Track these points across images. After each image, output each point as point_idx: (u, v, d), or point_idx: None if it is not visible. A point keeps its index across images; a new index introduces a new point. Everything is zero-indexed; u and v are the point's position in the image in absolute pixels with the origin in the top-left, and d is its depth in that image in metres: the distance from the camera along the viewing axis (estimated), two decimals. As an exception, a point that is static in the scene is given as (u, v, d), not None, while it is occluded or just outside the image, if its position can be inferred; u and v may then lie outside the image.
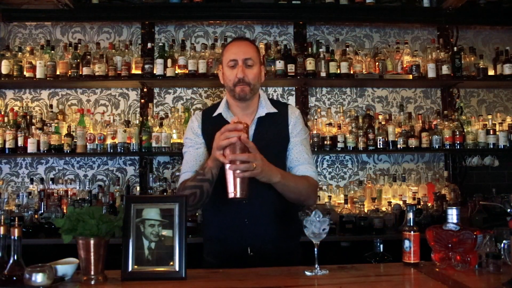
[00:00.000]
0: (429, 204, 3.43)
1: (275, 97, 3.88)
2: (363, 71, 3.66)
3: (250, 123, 1.90)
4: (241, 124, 1.57)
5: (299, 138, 1.93)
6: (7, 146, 3.42)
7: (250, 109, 1.94)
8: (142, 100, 3.76)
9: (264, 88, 3.86)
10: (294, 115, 1.97)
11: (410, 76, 3.63)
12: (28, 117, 3.58)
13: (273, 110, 1.95)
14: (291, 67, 3.54)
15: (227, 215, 1.87)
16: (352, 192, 3.63)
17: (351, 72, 3.63)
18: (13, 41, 3.82)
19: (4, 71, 3.48)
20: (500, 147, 3.64)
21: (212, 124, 1.90)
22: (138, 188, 3.61)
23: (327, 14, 3.76)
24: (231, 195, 1.58)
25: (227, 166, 1.57)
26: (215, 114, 1.96)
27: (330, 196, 3.54)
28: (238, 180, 1.57)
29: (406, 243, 1.67)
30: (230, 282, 1.54)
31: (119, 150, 3.45)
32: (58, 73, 3.53)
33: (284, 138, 1.93)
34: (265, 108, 1.94)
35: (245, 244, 1.86)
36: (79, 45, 3.66)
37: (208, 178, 1.75)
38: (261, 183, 1.70)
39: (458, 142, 3.58)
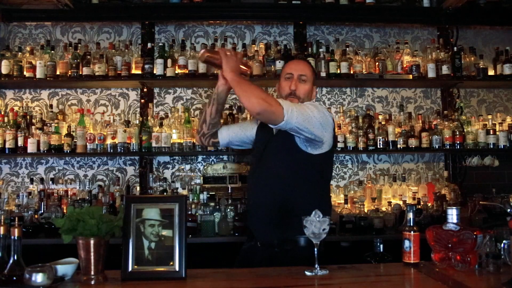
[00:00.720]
0: (429, 204, 3.42)
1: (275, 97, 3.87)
2: (363, 71, 3.66)
3: None
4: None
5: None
6: (7, 146, 3.41)
7: None
8: (142, 100, 3.76)
9: (264, 88, 3.86)
10: None
11: (410, 76, 3.63)
12: (28, 117, 3.58)
13: None
14: (291, 67, 3.53)
15: (248, 193, 2.15)
16: (352, 192, 3.63)
17: (351, 72, 3.63)
18: (13, 41, 3.82)
19: (4, 71, 3.48)
20: (500, 147, 3.64)
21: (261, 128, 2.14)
22: (138, 188, 3.61)
23: (327, 14, 3.76)
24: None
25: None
26: None
27: (330, 196, 3.53)
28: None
29: (406, 243, 1.67)
30: (230, 282, 1.54)
31: (119, 150, 3.45)
32: (58, 73, 3.53)
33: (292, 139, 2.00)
34: None
35: (249, 224, 2.05)
36: (79, 45, 3.66)
37: (217, 94, 2.06)
38: (267, 175, 1.95)
39: (458, 142, 3.58)
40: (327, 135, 1.94)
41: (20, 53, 3.64)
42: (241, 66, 1.99)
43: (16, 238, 1.41)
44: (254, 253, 1.98)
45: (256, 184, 2.05)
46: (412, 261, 1.66)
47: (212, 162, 3.79)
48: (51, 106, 3.71)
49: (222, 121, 2.53)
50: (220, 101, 2.09)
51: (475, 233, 1.55)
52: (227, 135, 2.22)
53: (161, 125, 3.50)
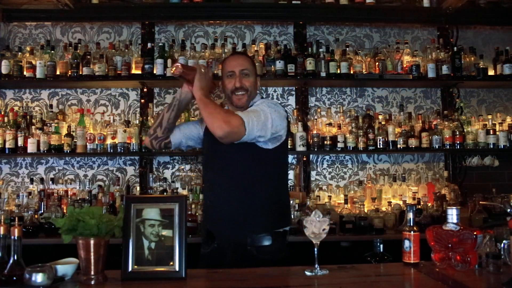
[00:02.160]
0: (429, 204, 3.42)
1: (275, 97, 3.88)
2: (363, 71, 3.66)
3: None
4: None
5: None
6: (7, 146, 3.41)
7: None
8: (142, 100, 3.76)
9: (264, 88, 3.86)
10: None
11: (410, 76, 3.63)
12: (28, 117, 3.58)
13: None
14: (291, 67, 3.54)
15: (207, 200, 2.13)
16: (352, 192, 3.63)
17: (351, 72, 3.63)
18: (13, 41, 3.82)
19: (4, 71, 3.48)
20: (500, 147, 3.64)
21: None
22: (138, 188, 3.61)
23: (327, 14, 3.76)
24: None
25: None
26: None
27: (330, 196, 3.54)
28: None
29: (406, 243, 1.67)
30: (230, 282, 1.54)
31: (119, 150, 3.45)
32: (58, 73, 3.53)
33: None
34: None
35: (209, 226, 2.04)
36: (79, 45, 3.65)
37: (178, 99, 2.10)
38: (223, 167, 1.99)
39: (458, 142, 3.58)
40: (283, 127, 2.00)
41: (20, 53, 3.64)
42: (213, 81, 2.06)
43: (16, 238, 1.41)
44: (221, 255, 1.95)
45: (217, 185, 2.03)
46: (412, 261, 1.66)
47: (212, 162, 3.78)
48: (51, 106, 3.71)
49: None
50: (181, 107, 2.11)
51: (475, 233, 1.55)
52: (179, 135, 2.19)
53: (161, 125, 3.49)
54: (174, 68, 2.00)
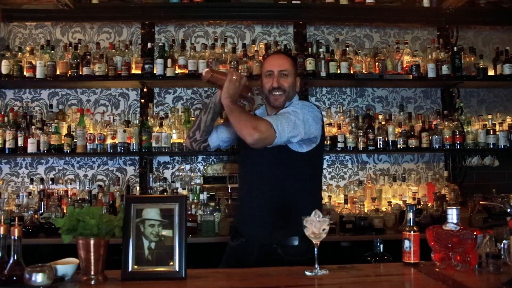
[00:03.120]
0: (429, 204, 3.42)
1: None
2: (363, 71, 3.66)
3: None
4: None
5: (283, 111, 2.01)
6: (7, 146, 3.41)
7: None
8: (142, 100, 3.76)
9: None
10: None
11: (410, 76, 3.63)
12: (28, 117, 3.58)
13: None
14: (291, 67, 3.53)
15: (239, 198, 2.18)
16: (352, 192, 3.63)
17: (351, 72, 3.63)
18: (13, 41, 3.82)
19: (4, 71, 3.48)
20: (500, 147, 3.64)
21: None
22: (138, 188, 3.61)
23: (327, 14, 3.76)
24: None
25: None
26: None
27: (330, 196, 3.53)
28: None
29: (406, 243, 1.67)
30: (230, 282, 1.54)
31: (119, 150, 3.45)
32: (58, 73, 3.53)
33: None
34: None
35: (237, 223, 2.07)
36: (79, 45, 3.65)
37: (214, 104, 2.08)
38: (255, 167, 2.01)
39: (458, 142, 3.58)
40: (318, 130, 1.98)
41: (20, 53, 3.63)
42: (242, 93, 2.02)
43: (16, 238, 1.41)
44: (248, 251, 1.97)
45: (248, 185, 2.06)
46: (412, 261, 1.66)
47: (212, 162, 3.79)
48: (51, 106, 3.71)
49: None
50: (216, 110, 2.10)
51: (475, 233, 1.55)
52: (216, 138, 2.23)
53: (161, 125, 3.50)
54: (204, 72, 2.00)
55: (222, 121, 3.23)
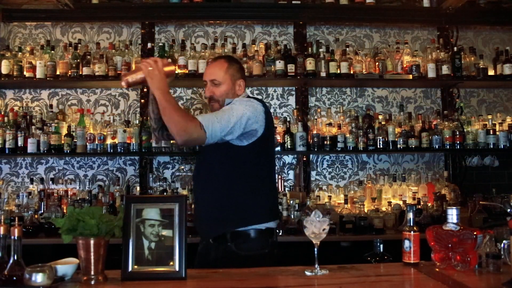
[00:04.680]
0: (429, 204, 3.42)
1: (275, 97, 3.88)
2: (363, 71, 3.66)
3: None
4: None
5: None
6: (7, 146, 3.41)
7: None
8: (142, 100, 3.75)
9: (264, 88, 3.86)
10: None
11: (410, 76, 3.63)
12: (28, 117, 3.58)
13: None
14: (291, 67, 3.54)
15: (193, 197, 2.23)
16: (352, 192, 3.63)
17: (351, 72, 3.63)
18: (13, 41, 3.82)
19: (4, 71, 3.48)
20: (500, 147, 3.64)
21: None
22: (138, 188, 3.60)
23: (327, 14, 3.76)
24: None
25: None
26: None
27: (330, 196, 3.53)
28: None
29: (406, 243, 1.67)
30: (230, 282, 1.54)
31: (119, 150, 3.45)
32: (58, 73, 3.53)
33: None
34: None
35: (195, 223, 2.11)
36: (79, 45, 3.65)
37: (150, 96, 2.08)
38: (202, 165, 2.06)
39: (458, 142, 3.58)
40: (259, 123, 1.98)
41: (20, 53, 3.63)
42: (165, 69, 1.93)
43: (16, 238, 1.41)
44: (208, 253, 1.99)
45: (198, 183, 2.11)
46: (412, 261, 1.66)
47: (212, 162, 3.78)
48: (51, 106, 3.71)
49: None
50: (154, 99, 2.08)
51: (475, 233, 1.55)
52: None
53: (161, 125, 3.49)
54: (121, 81, 1.94)
55: None
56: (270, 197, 2.10)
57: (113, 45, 3.69)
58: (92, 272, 1.49)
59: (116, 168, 3.78)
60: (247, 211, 1.97)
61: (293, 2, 3.65)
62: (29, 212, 3.16)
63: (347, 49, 3.74)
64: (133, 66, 3.57)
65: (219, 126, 1.86)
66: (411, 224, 1.69)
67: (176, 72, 3.52)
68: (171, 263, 1.54)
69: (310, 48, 3.66)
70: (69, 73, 3.52)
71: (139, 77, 1.91)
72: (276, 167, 3.82)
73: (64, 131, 3.49)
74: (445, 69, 3.61)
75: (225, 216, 1.97)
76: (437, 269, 1.59)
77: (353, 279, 1.55)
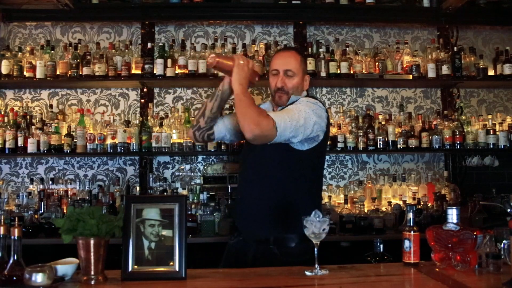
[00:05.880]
0: (429, 204, 3.42)
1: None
2: (363, 71, 3.66)
3: None
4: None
5: (288, 107, 1.97)
6: (7, 146, 3.41)
7: None
8: (142, 100, 3.76)
9: (264, 88, 3.86)
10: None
11: (410, 76, 3.63)
12: (28, 117, 3.58)
13: None
14: (291, 67, 3.53)
15: (238, 195, 2.13)
16: (352, 192, 3.63)
17: (351, 72, 3.63)
18: (13, 41, 3.82)
19: (4, 71, 3.48)
20: (500, 147, 3.64)
21: None
22: (138, 188, 3.60)
23: (327, 14, 3.76)
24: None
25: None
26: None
27: (330, 196, 3.54)
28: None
29: (406, 243, 1.67)
30: (230, 282, 1.54)
31: (119, 150, 3.45)
32: (58, 73, 3.53)
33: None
34: None
35: (235, 220, 2.03)
36: (79, 45, 3.65)
37: (214, 93, 2.04)
38: (256, 164, 2.00)
39: (458, 142, 3.58)
40: (322, 128, 1.95)
41: (20, 53, 3.64)
42: (254, 69, 1.95)
43: (16, 238, 1.41)
44: (245, 250, 1.96)
45: (248, 182, 2.03)
46: (412, 261, 1.66)
47: (212, 162, 3.79)
48: (51, 106, 3.71)
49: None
50: (223, 97, 2.04)
51: (475, 233, 1.55)
52: (223, 126, 2.15)
53: (161, 125, 3.50)
54: (210, 58, 1.91)
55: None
56: (319, 203, 2.09)
57: (113, 45, 3.69)
58: (92, 272, 1.49)
59: (116, 168, 3.78)
60: (299, 217, 1.89)
61: (293, 2, 3.65)
62: (29, 212, 3.16)
63: (347, 49, 3.74)
64: (133, 66, 3.58)
65: (289, 127, 1.81)
66: (411, 224, 1.69)
67: (176, 72, 3.53)
68: (171, 263, 1.54)
69: (310, 48, 3.66)
70: (69, 73, 3.52)
71: (229, 63, 1.89)
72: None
73: (64, 131, 3.49)
74: (445, 69, 3.61)
75: (276, 219, 1.92)
76: (437, 269, 1.59)
77: (353, 279, 1.55)
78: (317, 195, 2.08)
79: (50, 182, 3.69)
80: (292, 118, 1.83)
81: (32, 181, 3.68)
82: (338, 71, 3.61)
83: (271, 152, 1.94)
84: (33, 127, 3.51)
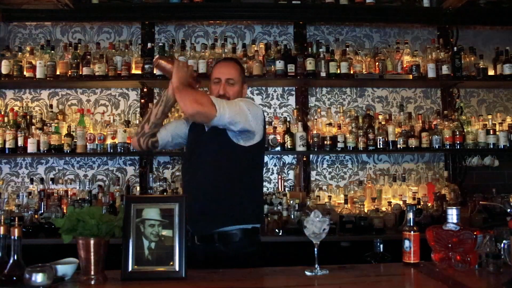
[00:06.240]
0: (429, 204, 3.42)
1: (275, 97, 3.88)
2: (363, 71, 3.66)
3: None
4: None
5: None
6: (7, 146, 3.41)
7: None
8: (142, 100, 3.76)
9: (264, 88, 3.86)
10: None
11: (410, 76, 3.63)
12: (28, 117, 3.58)
13: None
14: (291, 67, 3.54)
15: (183, 190, 2.20)
16: (352, 192, 3.63)
17: (351, 72, 3.63)
18: (13, 41, 3.82)
19: (4, 71, 3.48)
20: (500, 147, 3.64)
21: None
22: (138, 188, 3.61)
23: (327, 14, 3.76)
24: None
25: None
26: None
27: (330, 196, 3.54)
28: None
29: (406, 243, 1.67)
30: (230, 282, 1.54)
31: (119, 150, 3.45)
32: (58, 73, 3.53)
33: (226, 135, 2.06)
34: None
35: (189, 223, 1.98)
36: (79, 45, 3.65)
37: (159, 99, 2.12)
38: (198, 161, 2.05)
39: (458, 142, 3.58)
40: (258, 126, 2.03)
41: (20, 53, 3.64)
42: (190, 79, 2.05)
43: (16, 238, 1.41)
44: (194, 253, 1.95)
45: (190, 177, 2.09)
46: (412, 261, 1.66)
47: (212, 162, 3.78)
48: (51, 106, 3.71)
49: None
50: (168, 103, 2.11)
51: (475, 233, 1.55)
52: (165, 132, 2.19)
53: (161, 125, 3.49)
54: (154, 59, 2.11)
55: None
56: (260, 199, 2.22)
57: (113, 45, 3.69)
58: (92, 272, 1.49)
59: (116, 168, 3.78)
60: (240, 211, 1.99)
61: (293, 2, 3.65)
62: (29, 212, 3.16)
63: (347, 49, 3.74)
64: (133, 66, 3.58)
65: (228, 111, 1.89)
66: (411, 224, 1.69)
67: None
68: (171, 263, 1.54)
69: (310, 48, 3.66)
70: (69, 73, 3.52)
71: (168, 65, 2.05)
72: (276, 167, 3.84)
73: (64, 131, 3.49)
74: (445, 69, 3.60)
75: (218, 214, 1.97)
76: (437, 269, 1.59)
77: (353, 279, 1.55)
78: (256, 192, 2.14)
79: (50, 182, 3.69)
80: (230, 106, 1.93)
81: (32, 181, 3.68)
82: (338, 71, 3.61)
83: (213, 146, 2.02)
84: (33, 127, 3.51)
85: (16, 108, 3.69)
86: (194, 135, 2.16)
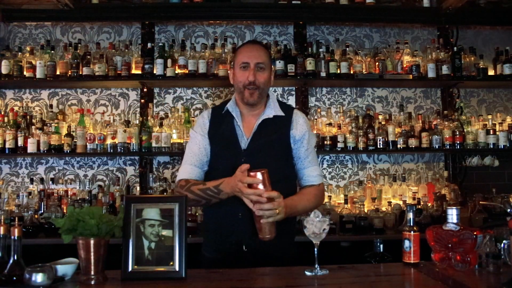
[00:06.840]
0: (429, 204, 3.42)
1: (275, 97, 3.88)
2: (363, 71, 3.66)
3: (255, 122, 1.96)
4: (261, 173, 1.66)
5: (310, 145, 1.99)
6: (7, 146, 3.42)
7: (256, 109, 1.99)
8: (142, 100, 3.75)
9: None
10: (299, 121, 1.99)
11: (410, 76, 3.63)
12: (28, 117, 3.58)
13: (280, 113, 1.98)
14: (291, 67, 3.54)
15: (223, 208, 1.88)
16: (352, 192, 3.63)
17: (351, 72, 3.63)
18: (13, 41, 3.82)
19: (4, 71, 3.48)
20: (500, 147, 3.64)
21: (220, 120, 1.98)
22: (138, 188, 3.61)
23: (327, 14, 3.76)
24: (260, 236, 1.71)
25: (255, 211, 1.68)
26: (224, 111, 2.00)
27: (330, 196, 3.54)
28: (266, 225, 1.68)
29: (406, 243, 1.67)
30: (230, 282, 1.54)
31: (119, 150, 3.45)
32: (58, 73, 3.53)
33: (284, 142, 1.95)
34: (273, 110, 1.98)
35: (238, 238, 1.88)
36: (79, 45, 3.65)
37: (221, 198, 1.82)
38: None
39: (458, 142, 3.58)
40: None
41: (20, 53, 3.64)
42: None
43: (16, 238, 1.41)
44: (237, 261, 1.82)
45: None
46: (412, 261, 1.66)
47: (212, 162, 3.78)
48: (51, 106, 3.71)
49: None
50: (221, 199, 1.85)
51: (475, 233, 1.55)
52: (199, 172, 2.07)
53: (161, 125, 3.50)
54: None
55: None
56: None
57: (113, 45, 3.69)
58: (92, 272, 1.49)
59: (116, 168, 3.78)
60: (294, 222, 2.04)
61: (293, 2, 3.65)
62: (29, 212, 3.16)
63: (347, 49, 3.74)
64: (133, 66, 3.58)
65: (320, 169, 2.08)
66: (411, 224, 1.69)
67: (176, 72, 3.53)
68: (171, 263, 1.54)
69: (310, 48, 3.66)
70: (69, 73, 3.52)
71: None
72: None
73: (64, 131, 3.49)
74: (445, 69, 3.61)
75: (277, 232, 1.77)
76: (437, 269, 1.59)
77: (353, 279, 1.55)
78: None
79: (50, 182, 3.69)
80: (316, 161, 2.00)
81: (32, 181, 3.68)
82: (338, 71, 3.61)
83: (277, 157, 1.94)
84: (33, 127, 3.51)
85: (16, 108, 3.69)
86: (230, 153, 1.94)
